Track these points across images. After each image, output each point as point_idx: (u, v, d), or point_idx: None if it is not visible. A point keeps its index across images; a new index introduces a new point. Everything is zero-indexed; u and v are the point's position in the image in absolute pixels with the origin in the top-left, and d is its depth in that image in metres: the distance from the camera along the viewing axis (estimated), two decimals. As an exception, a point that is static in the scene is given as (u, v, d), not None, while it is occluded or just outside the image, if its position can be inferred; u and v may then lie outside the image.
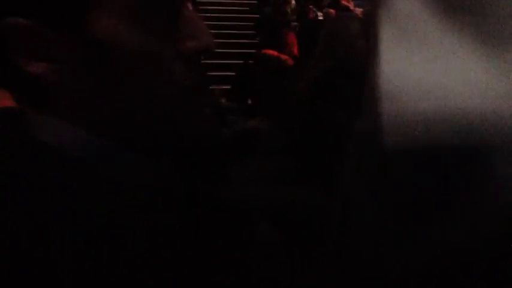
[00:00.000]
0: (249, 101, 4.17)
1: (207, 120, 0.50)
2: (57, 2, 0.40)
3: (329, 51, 2.07)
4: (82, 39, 0.42)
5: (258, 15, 8.12)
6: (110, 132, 0.45)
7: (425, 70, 0.35)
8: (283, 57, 4.35)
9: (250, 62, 4.75)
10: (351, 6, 8.52)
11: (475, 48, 0.34)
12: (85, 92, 0.44)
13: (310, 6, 7.81)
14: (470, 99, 0.34)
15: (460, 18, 0.35)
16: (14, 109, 0.46)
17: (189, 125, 0.48)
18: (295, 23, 7.21)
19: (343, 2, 8.43)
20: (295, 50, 4.54)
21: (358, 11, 8.33)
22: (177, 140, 0.48)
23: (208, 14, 7.91)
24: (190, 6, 0.48)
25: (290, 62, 4.38)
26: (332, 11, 7.68)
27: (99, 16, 0.42)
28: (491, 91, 0.33)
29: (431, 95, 0.34)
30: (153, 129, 0.46)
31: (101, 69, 0.43)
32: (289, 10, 7.39)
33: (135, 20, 0.43)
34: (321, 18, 7.32)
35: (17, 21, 0.40)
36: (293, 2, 8.00)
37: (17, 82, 0.44)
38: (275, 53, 4.36)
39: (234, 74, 4.66)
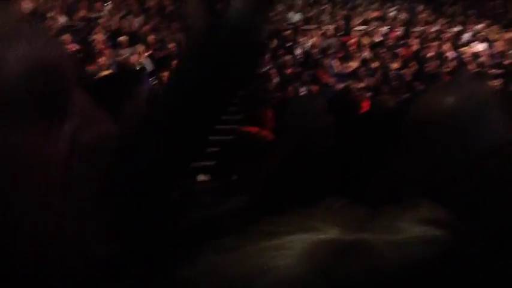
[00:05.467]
0: (233, 178, 4.17)
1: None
2: None
3: (296, 129, 2.11)
4: None
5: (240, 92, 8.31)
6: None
7: None
8: (264, 133, 4.41)
9: (232, 138, 4.80)
10: (331, 82, 8.83)
11: None
12: None
13: (293, 85, 8.04)
14: None
15: None
16: None
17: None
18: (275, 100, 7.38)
19: (324, 78, 8.74)
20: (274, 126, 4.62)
21: (339, 86, 8.62)
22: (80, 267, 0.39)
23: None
24: (82, 90, 0.40)
25: (270, 137, 4.44)
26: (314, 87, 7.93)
27: None
28: None
29: None
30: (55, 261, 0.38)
31: None
32: (270, 88, 7.60)
33: (13, 114, 0.35)
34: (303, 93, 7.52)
35: None
36: (275, 79, 8.24)
37: None
38: (256, 129, 4.42)
39: (216, 150, 4.69)
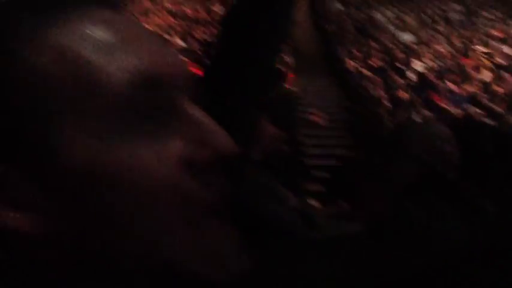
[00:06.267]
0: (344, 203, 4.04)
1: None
2: (14, 133, 0.33)
3: (419, 156, 1.95)
4: (55, 174, 0.33)
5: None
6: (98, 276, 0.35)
7: None
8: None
9: (343, 163, 4.67)
10: (447, 106, 8.27)
11: None
12: (71, 248, 0.34)
13: (405, 109, 7.69)
14: None
15: None
16: None
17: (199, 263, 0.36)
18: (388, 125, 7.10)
19: (439, 103, 8.22)
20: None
21: (455, 111, 8.08)
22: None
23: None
24: (193, 104, 0.37)
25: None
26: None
27: (72, 136, 0.33)
28: None
29: None
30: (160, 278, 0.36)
31: (86, 209, 0.34)
32: (381, 113, 7.31)
33: (119, 126, 0.34)
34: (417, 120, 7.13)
35: None
36: (386, 103, 7.93)
37: None
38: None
39: (327, 175, 4.56)
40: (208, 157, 0.36)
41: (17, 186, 0.33)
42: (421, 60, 10.24)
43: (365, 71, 9.21)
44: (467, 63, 9.84)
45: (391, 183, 2.10)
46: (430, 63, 10.02)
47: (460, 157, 2.07)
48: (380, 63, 10.13)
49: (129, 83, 0.34)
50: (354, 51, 10.79)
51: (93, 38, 0.35)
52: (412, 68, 9.84)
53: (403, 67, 9.75)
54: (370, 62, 10.24)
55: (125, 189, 0.34)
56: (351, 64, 10.01)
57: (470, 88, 8.91)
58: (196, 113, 0.37)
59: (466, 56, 10.44)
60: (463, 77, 9.35)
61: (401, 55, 10.01)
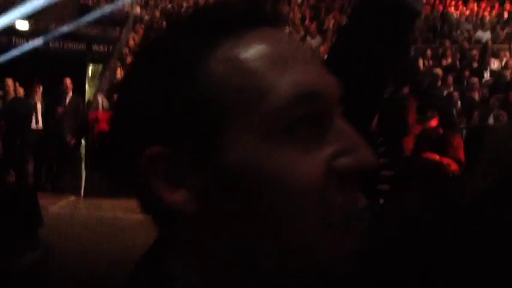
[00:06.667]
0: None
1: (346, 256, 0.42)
2: (192, 129, 0.39)
3: (495, 160, 1.92)
4: (217, 164, 0.39)
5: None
6: (248, 276, 0.42)
7: None
8: (446, 161, 4.12)
9: (411, 164, 4.59)
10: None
11: None
12: (220, 226, 0.41)
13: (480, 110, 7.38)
14: None
15: None
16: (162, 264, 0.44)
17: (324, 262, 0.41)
18: (462, 126, 6.86)
19: (517, 103, 7.82)
20: (461, 155, 4.27)
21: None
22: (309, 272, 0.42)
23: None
24: (342, 118, 0.42)
25: (453, 166, 4.12)
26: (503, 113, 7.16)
27: (234, 138, 0.39)
28: None
29: None
30: (294, 267, 0.41)
31: (239, 198, 0.39)
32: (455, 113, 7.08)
33: (280, 132, 0.39)
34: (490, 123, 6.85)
35: (156, 149, 0.40)
36: (458, 103, 7.67)
37: (158, 214, 0.43)
38: (436, 156, 4.16)
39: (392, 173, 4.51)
40: (352, 166, 0.40)
41: (182, 169, 0.40)
42: (498, 59, 9.77)
43: (438, 70, 8.92)
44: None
45: (467, 191, 2.07)
46: (508, 62, 9.54)
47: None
48: (454, 63, 9.77)
49: (294, 96, 0.39)
50: (427, 50, 10.48)
51: (265, 53, 0.40)
52: (488, 66, 9.43)
53: (479, 65, 9.36)
54: (443, 61, 9.91)
55: (278, 187, 0.38)
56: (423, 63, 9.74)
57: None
58: (345, 126, 0.42)
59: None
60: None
61: (476, 53, 9.60)
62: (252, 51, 0.40)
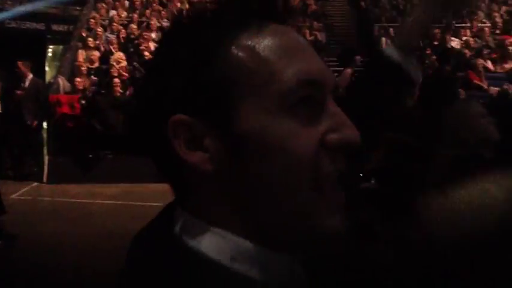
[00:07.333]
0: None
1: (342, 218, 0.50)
2: (212, 102, 0.47)
3: (458, 138, 1.96)
4: (231, 132, 0.47)
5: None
6: (253, 232, 0.48)
7: None
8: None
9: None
10: (484, 85, 8.10)
11: None
12: (230, 185, 0.48)
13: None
14: None
15: None
16: (174, 211, 0.52)
17: (324, 222, 0.49)
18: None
19: (476, 81, 8.06)
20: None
21: (493, 90, 7.90)
22: (312, 237, 0.50)
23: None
24: (334, 102, 0.51)
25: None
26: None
27: (247, 112, 0.47)
28: None
29: None
30: (293, 227, 0.48)
31: (247, 161, 0.47)
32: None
33: (284, 109, 0.47)
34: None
35: (180, 117, 0.47)
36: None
37: (175, 175, 0.51)
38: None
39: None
40: (340, 141, 0.48)
41: (201, 135, 0.48)
42: (458, 38, 9.99)
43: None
44: (508, 40, 9.52)
45: (433, 163, 2.11)
46: (468, 40, 9.77)
47: (498, 136, 2.07)
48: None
49: (298, 81, 0.47)
50: (390, 29, 10.60)
51: (276, 45, 0.49)
52: (449, 45, 9.63)
53: (439, 43, 9.54)
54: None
55: (280, 153, 0.46)
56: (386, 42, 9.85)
57: (509, 66, 8.69)
58: (336, 109, 0.50)
59: (508, 33, 10.10)
60: (502, 54, 9.10)
61: (437, 31, 9.77)
62: (266, 42, 0.49)
